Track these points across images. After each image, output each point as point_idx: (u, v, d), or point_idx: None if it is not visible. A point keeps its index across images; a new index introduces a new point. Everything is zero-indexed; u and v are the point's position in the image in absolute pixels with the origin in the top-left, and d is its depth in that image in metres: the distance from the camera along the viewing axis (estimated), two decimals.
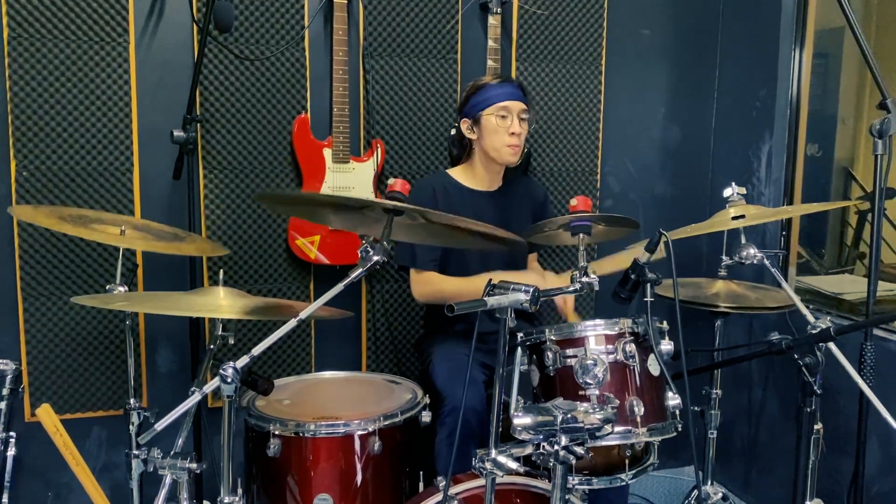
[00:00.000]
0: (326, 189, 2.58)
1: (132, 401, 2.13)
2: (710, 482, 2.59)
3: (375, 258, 1.59)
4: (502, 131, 2.32)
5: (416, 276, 2.38)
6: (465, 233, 1.85)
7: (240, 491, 1.77)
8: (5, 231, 2.43)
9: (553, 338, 1.80)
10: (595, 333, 1.78)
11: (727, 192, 2.12)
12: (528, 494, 1.84)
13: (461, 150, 2.47)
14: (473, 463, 1.52)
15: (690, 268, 2.90)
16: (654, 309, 1.78)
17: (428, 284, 2.36)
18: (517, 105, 2.33)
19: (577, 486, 1.78)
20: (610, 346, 1.77)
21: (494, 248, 2.09)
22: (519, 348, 1.80)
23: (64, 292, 2.48)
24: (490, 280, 1.56)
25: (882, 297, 2.11)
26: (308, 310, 1.59)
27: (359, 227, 1.86)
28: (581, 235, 1.90)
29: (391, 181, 1.80)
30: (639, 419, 1.73)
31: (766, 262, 1.97)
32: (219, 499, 1.67)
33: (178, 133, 2.29)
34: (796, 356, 1.80)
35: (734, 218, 1.99)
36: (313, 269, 2.71)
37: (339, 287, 1.58)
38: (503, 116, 2.32)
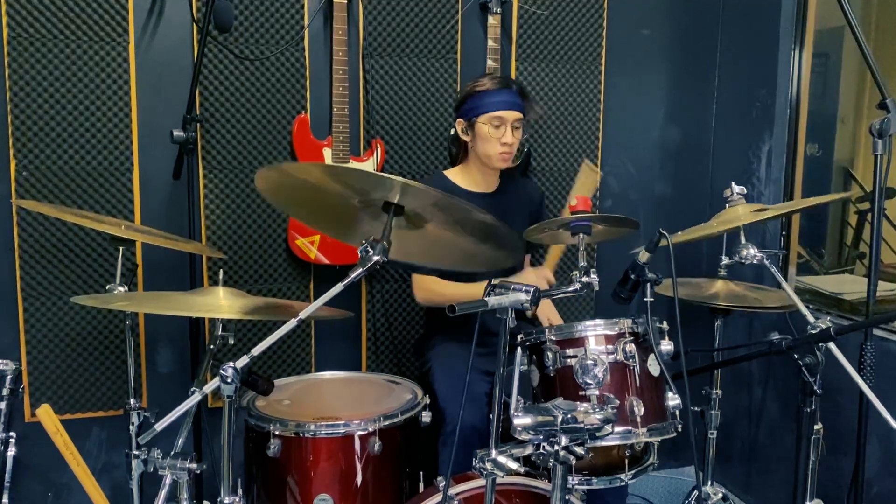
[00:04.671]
0: None
1: (132, 401, 2.13)
2: (710, 482, 2.59)
3: (375, 258, 1.59)
4: (494, 140, 2.32)
5: (417, 280, 2.40)
6: (462, 242, 1.83)
7: (240, 491, 1.78)
8: (5, 231, 2.43)
9: (553, 338, 1.80)
10: (595, 333, 1.78)
11: (727, 192, 2.12)
12: (528, 494, 1.84)
13: (460, 150, 2.47)
14: (473, 463, 1.52)
15: (690, 268, 2.90)
16: (654, 308, 1.78)
17: (427, 290, 2.38)
18: (512, 114, 2.32)
19: (576, 486, 1.79)
20: (610, 346, 1.77)
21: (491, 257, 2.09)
22: (519, 348, 1.80)
23: (64, 292, 2.48)
24: (490, 280, 1.56)
25: (882, 297, 2.11)
26: (308, 310, 1.59)
27: (356, 232, 1.85)
28: (581, 235, 1.89)
29: None
30: (639, 419, 1.73)
31: (766, 261, 1.97)
32: (219, 499, 1.67)
33: (178, 133, 2.29)
34: (796, 356, 1.80)
35: (756, 211, 1.99)
36: (313, 269, 2.71)
37: (339, 287, 1.58)
38: (497, 126, 2.31)
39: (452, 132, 2.71)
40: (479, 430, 2.10)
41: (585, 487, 1.80)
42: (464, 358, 2.32)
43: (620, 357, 1.76)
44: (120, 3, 2.44)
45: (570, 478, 1.70)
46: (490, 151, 2.34)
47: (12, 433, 2.21)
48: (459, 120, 2.38)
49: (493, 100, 2.31)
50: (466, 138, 2.38)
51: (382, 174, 1.62)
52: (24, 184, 2.42)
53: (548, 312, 2.39)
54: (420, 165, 2.77)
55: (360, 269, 1.59)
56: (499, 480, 1.57)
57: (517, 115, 2.33)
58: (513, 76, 2.82)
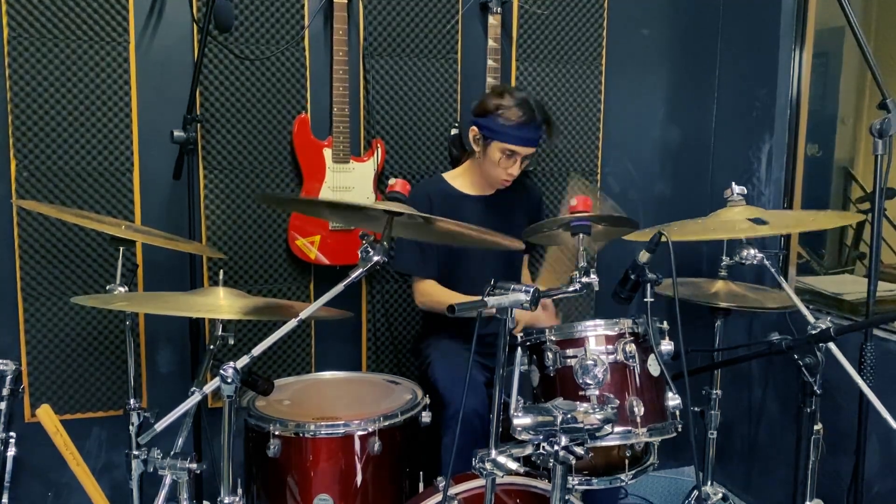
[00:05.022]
0: (326, 189, 2.58)
1: (132, 401, 2.13)
2: (710, 482, 2.59)
3: (375, 258, 1.59)
4: (501, 169, 2.33)
5: (417, 284, 2.40)
6: (464, 234, 1.85)
7: (240, 491, 1.78)
8: (5, 231, 2.43)
9: (553, 338, 1.80)
10: (595, 333, 1.79)
11: (727, 193, 2.12)
12: (528, 494, 1.84)
13: (461, 151, 2.47)
14: (473, 463, 1.52)
15: (690, 268, 2.90)
16: (654, 308, 1.78)
17: (428, 295, 2.38)
18: (527, 150, 2.32)
19: (576, 487, 1.79)
20: (610, 347, 1.77)
21: (492, 251, 2.10)
22: (519, 348, 1.80)
23: (64, 292, 2.48)
24: (492, 280, 1.56)
25: (882, 297, 2.11)
26: (308, 310, 1.59)
27: (359, 224, 1.87)
28: (581, 235, 1.90)
29: (391, 181, 1.80)
30: (639, 419, 1.73)
31: (767, 262, 1.97)
32: (219, 499, 1.67)
33: (178, 133, 2.29)
34: (796, 356, 1.80)
35: (753, 220, 1.98)
36: (313, 269, 2.71)
37: (339, 287, 1.58)
38: (509, 156, 2.31)
39: (453, 132, 2.71)
40: (480, 414, 2.10)
41: (586, 487, 1.80)
42: (462, 351, 2.32)
43: (620, 357, 1.76)
44: (120, 3, 2.43)
45: (570, 478, 1.70)
46: (493, 174, 2.36)
47: (12, 433, 2.21)
48: (474, 128, 2.36)
49: (515, 134, 2.28)
50: (477, 147, 2.37)
51: (370, 205, 1.67)
52: (24, 184, 2.42)
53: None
54: (420, 166, 2.77)
55: (361, 270, 1.59)
56: (499, 480, 1.57)
57: (531, 150, 2.34)
58: (513, 76, 2.82)
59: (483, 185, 2.45)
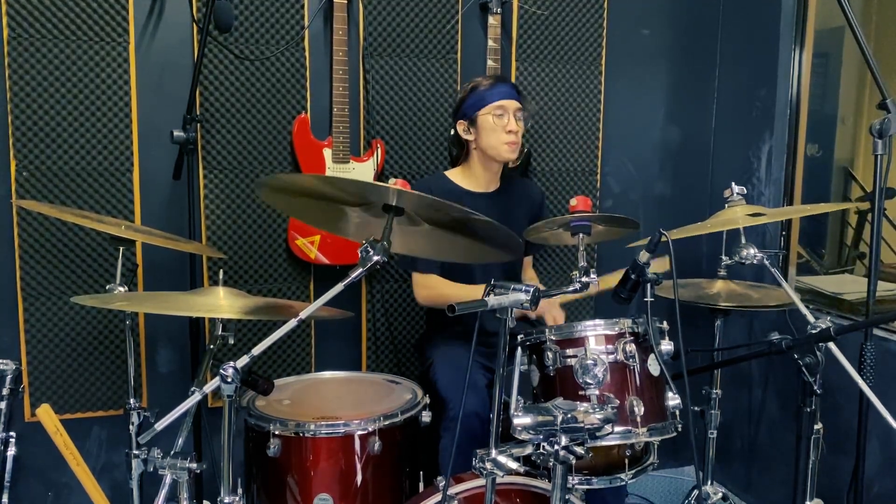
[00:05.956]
0: None
1: (132, 401, 2.13)
2: (710, 482, 2.59)
3: (375, 258, 1.59)
4: (500, 129, 2.34)
5: (418, 279, 2.40)
6: (462, 239, 1.84)
7: (240, 491, 1.78)
8: (5, 231, 2.43)
9: (553, 338, 1.80)
10: (595, 333, 1.79)
11: (727, 193, 2.12)
12: (528, 494, 1.84)
13: (460, 151, 2.47)
14: (473, 463, 1.52)
15: (690, 268, 2.90)
16: (654, 308, 1.78)
17: (429, 288, 2.38)
18: (512, 104, 2.35)
19: (576, 486, 1.79)
20: (610, 346, 1.77)
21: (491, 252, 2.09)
22: (519, 348, 1.80)
23: (64, 292, 2.48)
24: (492, 280, 1.56)
25: (882, 297, 2.11)
26: (308, 310, 1.59)
27: (357, 231, 1.86)
28: (581, 235, 1.90)
29: (391, 181, 1.80)
30: (639, 419, 1.73)
31: (766, 262, 1.97)
32: (219, 499, 1.67)
33: (178, 133, 2.29)
34: (796, 356, 1.80)
35: (752, 215, 1.99)
36: (313, 269, 2.71)
37: (339, 287, 1.58)
38: (499, 115, 2.33)
39: (453, 132, 2.71)
40: (480, 416, 2.10)
41: (585, 487, 1.80)
42: (465, 354, 2.32)
43: (620, 357, 1.76)
44: (120, 3, 2.44)
45: (570, 478, 1.70)
46: (496, 142, 2.35)
47: (12, 433, 2.21)
48: (460, 121, 2.39)
49: (492, 91, 2.35)
50: (469, 137, 2.38)
51: (379, 184, 1.63)
52: (24, 184, 2.42)
53: (555, 313, 2.37)
54: (420, 165, 2.77)
55: (361, 270, 1.59)
56: (499, 480, 1.57)
57: (517, 104, 2.37)
58: (513, 76, 2.82)
59: (485, 181, 2.45)
